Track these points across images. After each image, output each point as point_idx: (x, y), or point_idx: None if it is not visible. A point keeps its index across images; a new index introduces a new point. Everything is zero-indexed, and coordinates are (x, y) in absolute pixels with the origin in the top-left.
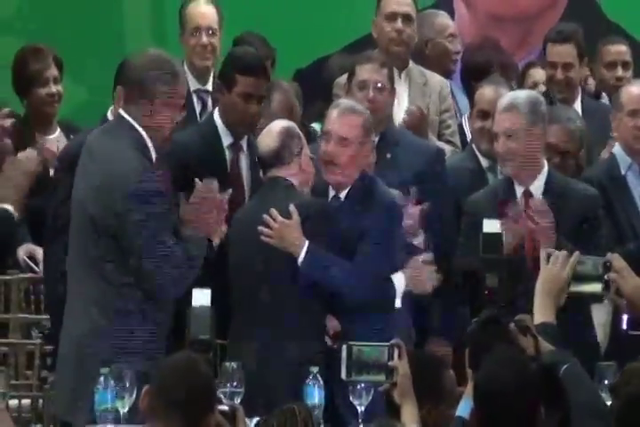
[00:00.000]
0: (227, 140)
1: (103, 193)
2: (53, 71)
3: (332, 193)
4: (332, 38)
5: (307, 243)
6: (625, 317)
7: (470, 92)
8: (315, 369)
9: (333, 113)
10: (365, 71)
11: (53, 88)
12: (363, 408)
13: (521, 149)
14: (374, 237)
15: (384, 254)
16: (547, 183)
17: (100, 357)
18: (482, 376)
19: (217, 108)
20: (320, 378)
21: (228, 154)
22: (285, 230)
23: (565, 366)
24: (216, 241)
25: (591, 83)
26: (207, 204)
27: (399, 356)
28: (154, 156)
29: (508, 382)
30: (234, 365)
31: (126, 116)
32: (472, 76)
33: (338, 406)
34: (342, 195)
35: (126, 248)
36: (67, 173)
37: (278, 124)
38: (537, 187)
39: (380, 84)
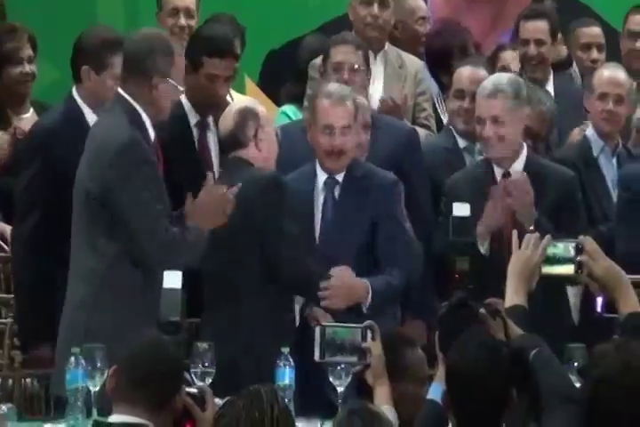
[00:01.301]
0: (193, 118)
1: (94, 165)
2: (28, 50)
3: (323, 176)
4: (306, 19)
5: (369, 288)
6: (599, 299)
7: (437, 76)
8: (285, 350)
9: (325, 104)
10: (340, 53)
11: (27, 67)
12: (342, 389)
13: (507, 134)
14: (398, 220)
15: (409, 232)
16: (526, 166)
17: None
18: (452, 359)
19: None
20: (291, 359)
21: (195, 132)
22: (349, 292)
23: (535, 351)
24: None
25: (562, 50)
26: (212, 203)
27: (373, 337)
28: (152, 134)
29: (479, 365)
30: (205, 345)
31: (124, 94)
32: (434, 61)
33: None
34: (339, 177)
35: (115, 218)
36: (31, 155)
37: (236, 105)
38: (516, 169)
39: (355, 66)
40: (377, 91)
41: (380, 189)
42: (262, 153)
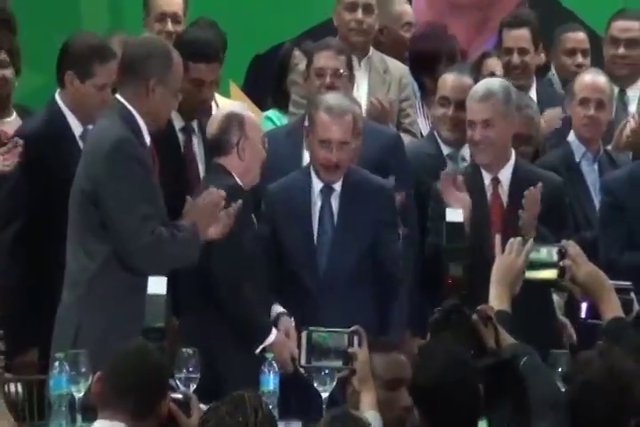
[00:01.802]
0: (178, 123)
1: (89, 163)
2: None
3: (318, 185)
4: (291, 24)
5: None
6: (584, 305)
7: (418, 79)
8: (270, 355)
9: (324, 118)
10: (323, 58)
11: None
12: (327, 395)
13: (497, 138)
14: (394, 226)
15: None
16: (514, 172)
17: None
18: (418, 371)
19: None
20: (275, 365)
21: (180, 137)
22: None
23: (525, 358)
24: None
25: (541, 57)
26: (211, 207)
27: (359, 343)
28: (147, 139)
29: (447, 376)
30: (189, 351)
31: (121, 99)
32: (420, 64)
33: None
34: (337, 186)
35: (103, 217)
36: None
37: (224, 110)
38: (505, 174)
39: (338, 71)
40: (361, 96)
41: (378, 196)
42: (243, 163)
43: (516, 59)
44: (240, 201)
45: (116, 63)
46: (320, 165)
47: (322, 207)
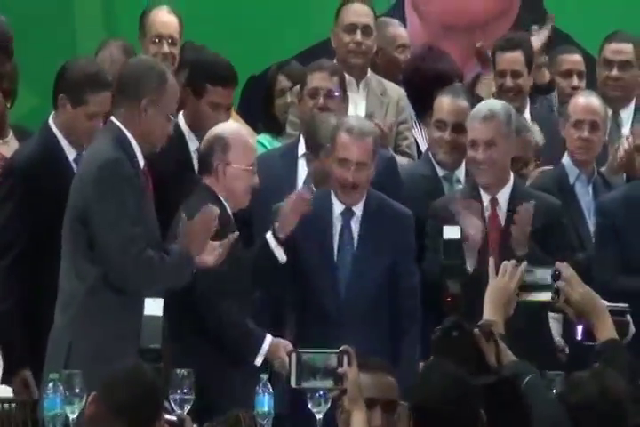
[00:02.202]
0: (193, 144)
1: (80, 185)
2: None
3: (340, 207)
4: (286, 45)
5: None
6: (579, 327)
7: (417, 102)
8: (264, 376)
9: (345, 138)
10: (316, 79)
11: None
12: (321, 416)
13: (499, 158)
14: (412, 256)
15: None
16: (512, 193)
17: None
18: (417, 393)
19: (181, 113)
20: (270, 386)
21: (195, 158)
22: None
23: (527, 378)
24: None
25: (546, 74)
26: (206, 227)
27: (349, 362)
28: (141, 162)
29: (447, 397)
30: (184, 371)
31: (115, 120)
32: (422, 85)
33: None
34: (357, 209)
35: (92, 238)
36: (8, 191)
37: (216, 129)
38: (503, 195)
39: (331, 92)
40: None
41: (399, 223)
42: (225, 186)
43: (509, 81)
44: (237, 232)
45: (110, 93)
46: (338, 185)
47: (342, 230)
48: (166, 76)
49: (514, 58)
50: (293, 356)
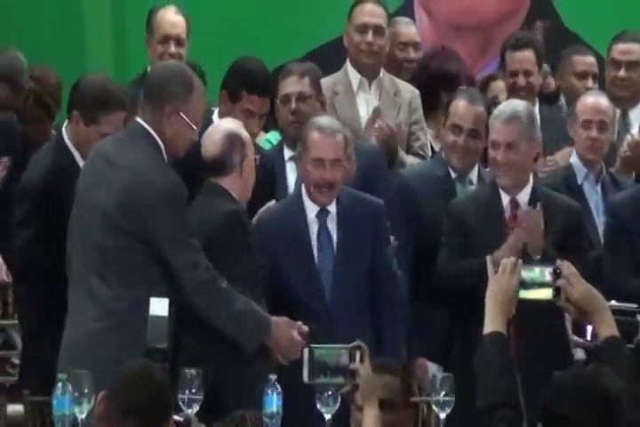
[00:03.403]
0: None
1: (133, 201)
2: None
3: (314, 208)
4: (295, 45)
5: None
6: (589, 327)
7: (423, 101)
8: (273, 377)
9: (316, 137)
10: (286, 85)
11: None
12: (329, 416)
13: (520, 161)
14: (387, 244)
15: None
16: (532, 195)
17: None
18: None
19: (217, 110)
20: (278, 386)
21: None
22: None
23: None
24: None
25: (551, 83)
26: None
27: (361, 358)
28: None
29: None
30: (192, 372)
31: (143, 123)
32: (424, 85)
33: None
34: (331, 207)
35: (159, 256)
36: (32, 206)
37: (222, 130)
38: (523, 197)
39: (302, 94)
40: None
41: (373, 215)
42: (243, 182)
43: (521, 80)
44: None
45: (124, 113)
46: (314, 186)
47: (319, 232)
48: (193, 83)
49: (525, 57)
50: (306, 351)
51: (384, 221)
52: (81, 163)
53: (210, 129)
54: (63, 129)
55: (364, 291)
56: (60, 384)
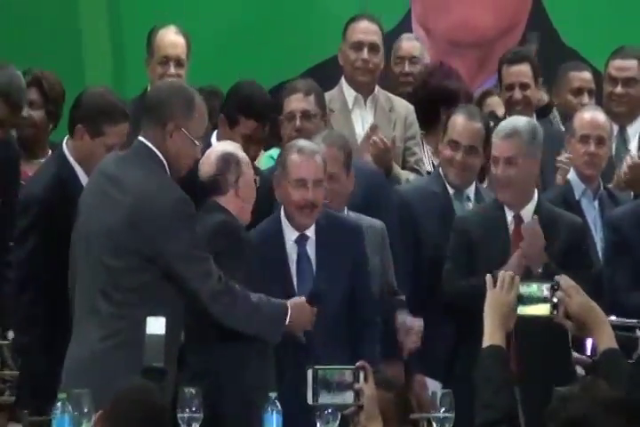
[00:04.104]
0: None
1: (139, 219)
2: (32, 94)
3: (293, 235)
4: (293, 63)
5: None
6: (589, 342)
7: (422, 117)
8: (273, 395)
9: (297, 158)
10: (291, 102)
11: (26, 111)
12: None
13: (518, 177)
14: (367, 267)
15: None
16: (536, 210)
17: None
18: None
19: (215, 133)
20: (278, 404)
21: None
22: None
23: None
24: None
25: (543, 97)
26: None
27: (365, 378)
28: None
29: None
30: (192, 390)
31: (147, 142)
32: (424, 101)
33: None
34: (310, 232)
35: (168, 273)
36: (33, 220)
37: (218, 150)
38: (527, 212)
39: (307, 112)
40: None
41: (351, 238)
42: (240, 201)
43: (517, 94)
44: None
45: (127, 124)
46: (296, 208)
47: (298, 258)
48: (194, 100)
49: (521, 70)
50: (310, 372)
51: (361, 242)
52: (83, 177)
53: (207, 151)
54: (64, 144)
55: (343, 316)
56: (59, 404)
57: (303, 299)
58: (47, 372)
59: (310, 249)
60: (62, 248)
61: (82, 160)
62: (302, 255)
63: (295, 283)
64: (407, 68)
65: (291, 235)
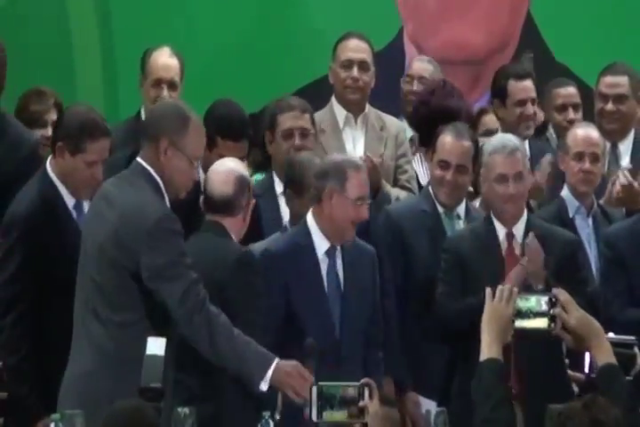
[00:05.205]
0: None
1: (124, 235)
2: (53, 115)
3: (324, 245)
4: (284, 83)
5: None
6: (587, 357)
7: (422, 135)
8: (266, 414)
9: (356, 176)
10: (288, 119)
11: (50, 131)
12: None
13: (525, 191)
14: (377, 287)
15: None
16: (526, 226)
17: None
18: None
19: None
20: (272, 423)
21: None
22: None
23: None
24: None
25: (540, 115)
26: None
27: (369, 395)
28: (167, 206)
29: None
30: (186, 410)
31: (142, 162)
32: (424, 120)
33: None
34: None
35: (152, 289)
36: (11, 248)
37: (231, 170)
38: (518, 229)
39: (306, 130)
40: (359, 153)
41: (371, 259)
42: (244, 225)
43: (530, 109)
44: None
45: (108, 140)
46: (349, 223)
47: (328, 269)
48: (189, 118)
49: (529, 86)
50: (314, 389)
51: (375, 267)
52: (66, 195)
53: (215, 167)
54: (47, 162)
55: (365, 331)
56: (52, 425)
57: (296, 363)
58: (34, 393)
59: (338, 261)
60: (46, 269)
61: (64, 178)
62: (331, 267)
63: (328, 298)
64: (415, 87)
65: (322, 246)
